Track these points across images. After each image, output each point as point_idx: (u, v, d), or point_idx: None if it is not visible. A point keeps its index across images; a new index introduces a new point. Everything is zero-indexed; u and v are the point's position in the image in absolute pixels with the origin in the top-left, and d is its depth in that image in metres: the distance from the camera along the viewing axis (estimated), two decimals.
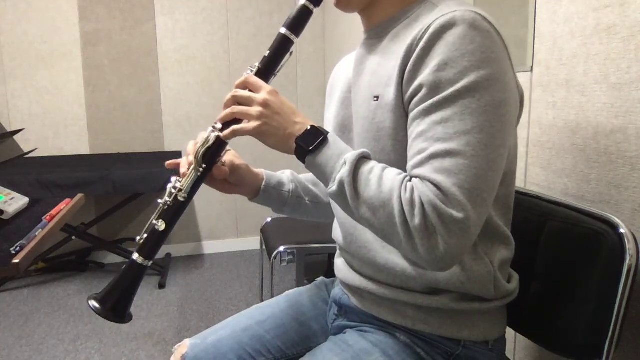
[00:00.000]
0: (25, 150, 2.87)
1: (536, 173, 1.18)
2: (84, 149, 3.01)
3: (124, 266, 0.79)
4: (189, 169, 0.79)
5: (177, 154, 2.99)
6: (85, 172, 2.45)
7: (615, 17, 0.91)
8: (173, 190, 0.78)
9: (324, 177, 0.70)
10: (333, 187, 0.68)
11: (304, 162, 0.71)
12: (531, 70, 1.18)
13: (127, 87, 3.02)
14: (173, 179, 0.80)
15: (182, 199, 0.78)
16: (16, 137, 2.85)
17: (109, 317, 0.76)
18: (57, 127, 2.95)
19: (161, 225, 0.78)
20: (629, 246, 0.73)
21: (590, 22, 0.97)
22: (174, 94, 3.09)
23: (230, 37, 3.13)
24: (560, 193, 1.08)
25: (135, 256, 0.78)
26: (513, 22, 1.28)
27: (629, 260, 0.73)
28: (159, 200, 0.79)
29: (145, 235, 0.79)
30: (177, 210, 0.79)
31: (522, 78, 1.21)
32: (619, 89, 0.91)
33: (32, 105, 2.89)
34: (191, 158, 0.79)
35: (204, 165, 0.78)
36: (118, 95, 3.01)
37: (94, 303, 0.76)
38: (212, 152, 0.78)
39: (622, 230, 0.75)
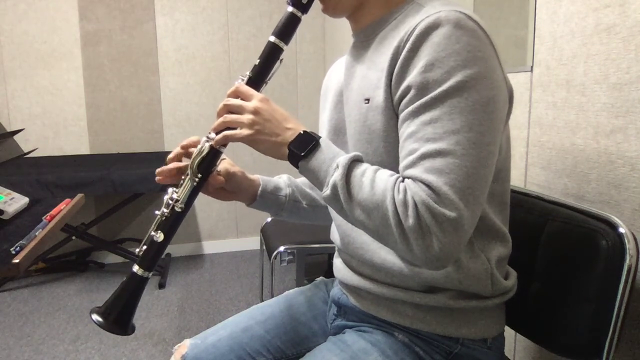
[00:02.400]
0: (25, 150, 2.87)
1: (536, 173, 1.18)
2: (84, 149, 3.01)
3: (125, 278, 0.80)
4: (184, 179, 0.80)
5: None
6: (85, 172, 2.45)
7: (615, 17, 0.91)
8: (170, 201, 0.79)
9: (317, 181, 0.70)
10: (327, 191, 0.68)
11: (297, 168, 0.72)
12: (531, 70, 1.18)
13: (127, 87, 3.02)
14: (170, 189, 0.81)
15: (179, 210, 0.79)
16: (16, 137, 2.85)
17: (112, 330, 0.77)
18: (57, 127, 2.95)
19: (160, 236, 0.78)
20: (629, 246, 0.73)
21: (590, 22, 0.98)
22: (174, 94, 3.09)
23: (230, 37, 3.13)
24: (560, 193, 1.08)
25: (136, 268, 0.78)
26: (513, 22, 1.28)
27: (629, 260, 0.73)
28: (157, 212, 0.80)
29: (145, 247, 0.79)
30: (174, 221, 0.79)
31: (522, 78, 1.21)
32: (619, 89, 0.91)
33: (32, 105, 2.89)
34: (179, 150, 0.81)
35: (199, 175, 0.79)
36: (118, 95, 3.01)
37: (96, 317, 0.76)
38: (207, 162, 0.78)
39: (622, 230, 0.75)
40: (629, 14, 0.88)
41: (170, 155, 0.84)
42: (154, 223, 0.79)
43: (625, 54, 0.89)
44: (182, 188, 0.79)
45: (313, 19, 3.23)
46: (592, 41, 0.97)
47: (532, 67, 1.17)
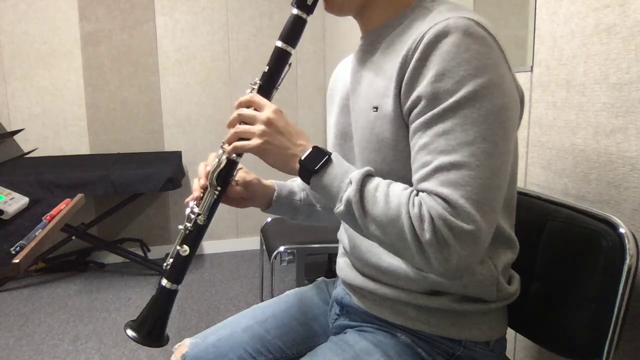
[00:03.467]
0: (25, 150, 2.87)
1: (536, 173, 1.18)
2: (84, 149, 3.01)
3: (155, 293, 0.82)
4: (204, 192, 0.81)
5: (177, 154, 3.00)
6: (85, 172, 2.45)
7: (615, 17, 0.91)
8: (192, 215, 0.80)
9: (330, 197, 0.70)
10: (340, 207, 0.68)
11: (308, 183, 0.71)
12: (531, 70, 1.18)
13: (127, 87, 3.02)
14: (191, 203, 0.82)
15: (201, 223, 0.80)
16: (16, 137, 2.85)
17: (147, 343, 0.79)
18: (57, 127, 2.95)
19: (185, 250, 0.80)
20: (629, 246, 0.73)
21: (590, 22, 0.98)
22: (174, 94, 3.09)
23: (230, 37, 3.13)
24: (560, 193, 1.08)
25: (164, 282, 0.81)
26: (513, 22, 1.28)
27: (629, 260, 0.73)
28: (180, 227, 0.82)
29: (171, 260, 0.81)
30: (198, 234, 0.81)
31: (522, 78, 1.21)
32: (619, 89, 0.91)
33: (32, 105, 2.89)
34: (202, 181, 0.82)
35: (219, 188, 0.80)
36: (118, 95, 3.01)
37: (131, 332, 0.79)
38: (225, 174, 0.80)
39: (622, 230, 0.75)
40: (629, 14, 0.88)
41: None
42: (178, 237, 0.81)
43: (625, 54, 0.89)
44: (202, 201, 0.80)
45: (313, 19, 3.18)
46: (592, 41, 0.97)
47: (532, 67, 1.17)
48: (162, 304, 0.81)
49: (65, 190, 2.37)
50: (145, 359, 1.98)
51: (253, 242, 3.28)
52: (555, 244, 0.85)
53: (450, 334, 0.77)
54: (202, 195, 0.81)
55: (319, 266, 2.82)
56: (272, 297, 1.04)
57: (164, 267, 0.82)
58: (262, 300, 1.30)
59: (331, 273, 0.89)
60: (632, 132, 0.88)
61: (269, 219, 2.26)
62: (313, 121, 3.26)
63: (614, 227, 0.76)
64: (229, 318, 0.97)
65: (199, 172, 0.85)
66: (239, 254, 3.24)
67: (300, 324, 0.94)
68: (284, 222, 2.20)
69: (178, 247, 0.80)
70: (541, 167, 1.16)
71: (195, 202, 0.81)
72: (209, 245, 3.28)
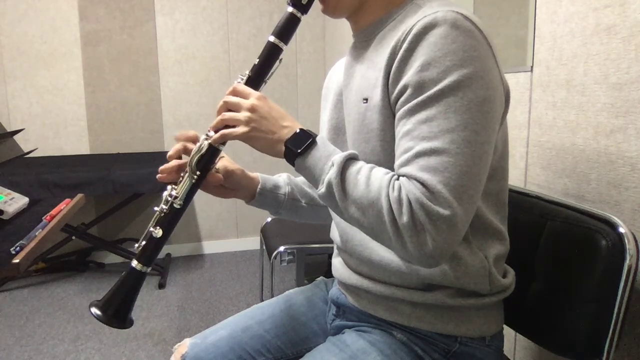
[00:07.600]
0: (25, 150, 2.87)
1: (536, 173, 1.18)
2: (84, 149, 3.01)
3: (124, 273, 0.81)
4: (183, 176, 0.80)
5: None
6: (85, 172, 2.45)
7: (615, 17, 0.91)
8: (169, 198, 0.80)
9: (313, 179, 0.71)
10: (322, 189, 0.69)
11: (293, 165, 0.72)
12: (531, 70, 1.18)
13: (127, 87, 3.02)
14: (169, 186, 0.82)
15: (177, 206, 0.80)
16: (16, 137, 2.85)
17: (110, 323, 0.78)
18: (57, 127, 2.95)
19: (158, 232, 0.79)
20: (629, 246, 0.74)
21: (590, 22, 0.98)
22: (174, 94, 3.09)
23: (230, 37, 3.13)
24: (560, 193, 1.08)
25: (134, 263, 0.80)
26: (513, 22, 1.28)
27: (629, 260, 0.73)
28: (155, 208, 0.81)
29: (144, 242, 0.80)
30: (173, 217, 0.80)
31: (522, 78, 1.21)
32: (619, 89, 0.91)
33: (32, 105, 2.89)
34: (179, 146, 0.81)
35: (198, 173, 0.79)
36: (118, 95, 3.01)
37: (95, 310, 0.78)
38: (206, 160, 0.79)
39: (622, 230, 0.75)
40: (629, 14, 0.88)
41: (171, 152, 0.84)
42: (153, 219, 0.80)
43: (625, 54, 0.89)
44: (180, 185, 0.80)
45: (313, 19, 3.23)
46: (592, 41, 0.97)
47: (532, 67, 1.17)
48: (130, 285, 0.80)
49: (65, 190, 2.37)
50: (145, 359, 1.99)
51: (253, 242, 3.29)
52: (555, 244, 0.85)
53: (445, 330, 0.77)
54: (181, 179, 0.81)
55: (319, 266, 2.82)
56: (272, 297, 1.04)
57: (135, 248, 0.81)
58: (262, 300, 1.30)
59: (331, 273, 0.89)
60: (632, 132, 0.88)
61: (269, 219, 2.26)
62: (313, 121, 3.26)
63: (613, 227, 0.76)
64: (228, 318, 0.97)
65: (178, 136, 0.83)
66: (239, 254, 3.24)
67: (299, 324, 0.94)
68: (284, 222, 2.20)
69: (151, 229, 0.79)
70: (541, 167, 1.16)
71: (173, 186, 0.81)
72: (209, 245, 3.28)
